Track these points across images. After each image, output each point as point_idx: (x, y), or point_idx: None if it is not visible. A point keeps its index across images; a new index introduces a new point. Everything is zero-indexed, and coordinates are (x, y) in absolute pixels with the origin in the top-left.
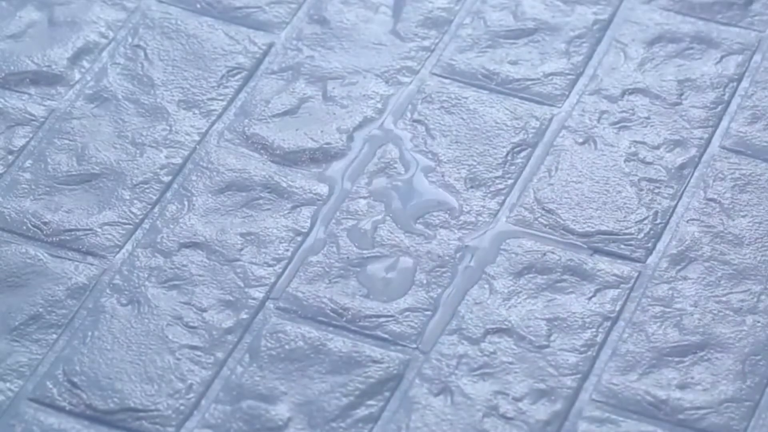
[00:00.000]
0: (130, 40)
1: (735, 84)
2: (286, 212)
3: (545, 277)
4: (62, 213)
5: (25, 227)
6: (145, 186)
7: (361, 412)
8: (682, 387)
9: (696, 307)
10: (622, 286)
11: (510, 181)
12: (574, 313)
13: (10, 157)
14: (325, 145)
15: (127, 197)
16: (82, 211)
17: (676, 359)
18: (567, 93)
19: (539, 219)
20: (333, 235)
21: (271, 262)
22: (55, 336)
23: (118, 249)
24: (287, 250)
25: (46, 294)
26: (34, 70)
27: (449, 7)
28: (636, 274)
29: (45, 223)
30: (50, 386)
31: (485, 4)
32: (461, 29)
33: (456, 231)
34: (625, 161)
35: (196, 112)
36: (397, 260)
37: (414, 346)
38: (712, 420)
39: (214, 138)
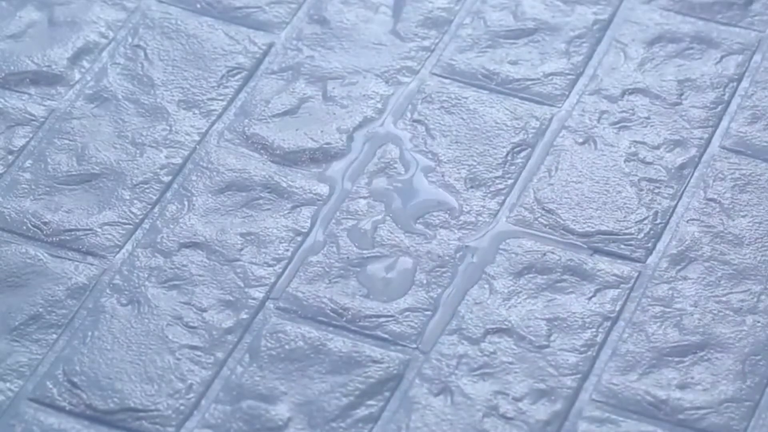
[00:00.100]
0: (130, 40)
1: (735, 84)
2: (286, 212)
3: (545, 277)
4: (62, 213)
5: (25, 227)
6: (145, 186)
7: (361, 412)
8: (682, 387)
9: (696, 307)
10: (622, 286)
11: (510, 181)
12: (574, 313)
13: (10, 157)
14: (325, 145)
15: (127, 197)
16: (82, 211)
17: (676, 359)
18: (567, 93)
19: (539, 219)
20: (333, 235)
21: (271, 262)
22: (55, 336)
23: (118, 249)
24: (287, 250)
25: (46, 294)
26: (34, 70)
27: (449, 7)
28: (636, 274)
29: (45, 223)
30: (50, 386)
31: (485, 4)
32: (461, 29)
33: (456, 231)
34: (625, 161)
35: (196, 112)
36: (397, 260)
37: (414, 346)
38: (712, 420)
39: (214, 138)
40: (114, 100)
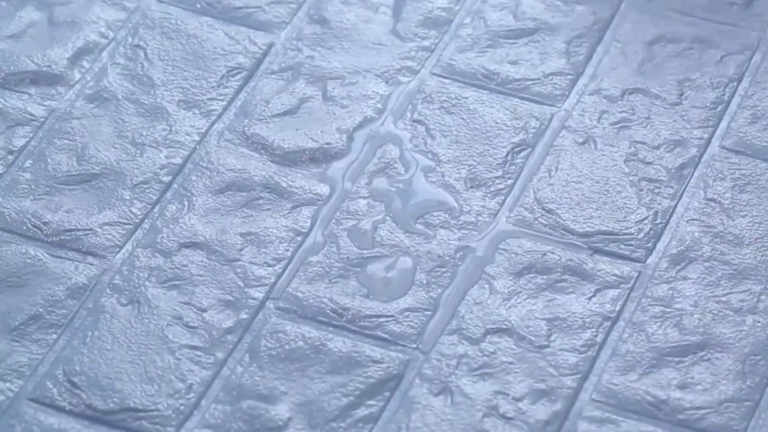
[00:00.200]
0: (130, 40)
1: (735, 84)
2: (286, 212)
3: (545, 277)
4: (62, 213)
5: (25, 227)
6: (145, 186)
7: (361, 412)
8: (682, 387)
9: (696, 307)
10: (622, 286)
11: (510, 181)
12: (574, 313)
13: (10, 157)
14: (325, 145)
15: (127, 197)
16: (82, 211)
17: (676, 359)
18: (567, 93)
19: (539, 219)
20: (333, 235)
21: (271, 262)
22: (55, 336)
23: (118, 249)
24: (287, 250)
25: (46, 294)
26: (34, 70)
27: (449, 7)
28: (636, 274)
29: (45, 223)
30: (50, 386)
31: (485, 4)
32: (461, 29)
33: (456, 231)
34: (625, 161)
35: (196, 112)
36: (397, 260)
37: (414, 346)
38: (712, 420)
39: (214, 138)
40: (114, 100)
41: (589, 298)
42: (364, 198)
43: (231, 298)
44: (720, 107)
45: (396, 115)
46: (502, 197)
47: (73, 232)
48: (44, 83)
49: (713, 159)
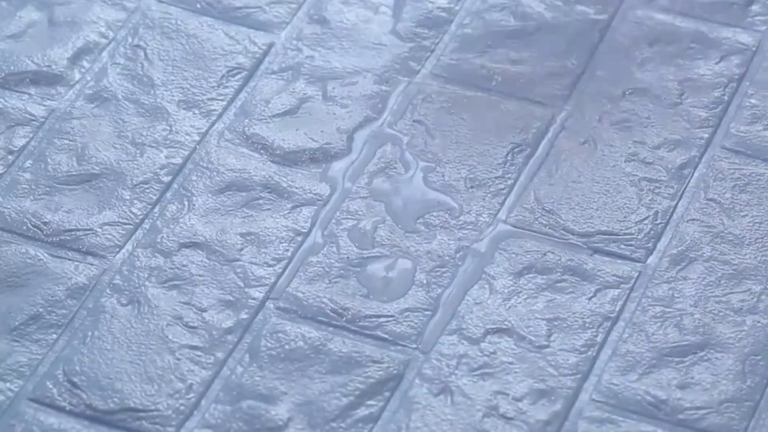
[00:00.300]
0: (130, 40)
1: (735, 84)
2: (286, 212)
3: (545, 277)
4: (62, 213)
5: (25, 227)
6: (145, 186)
7: (361, 412)
8: (682, 387)
9: (696, 307)
10: (622, 286)
11: (510, 182)
12: (574, 313)
13: (10, 157)
14: (325, 145)
15: (127, 197)
16: (82, 211)
17: (676, 359)
18: (567, 93)
19: (539, 219)
20: (333, 235)
21: (271, 262)
22: (55, 336)
23: (118, 249)
24: (287, 250)
25: (46, 294)
26: (34, 70)
27: (449, 7)
28: (636, 274)
29: (45, 223)
30: (50, 386)
31: (485, 4)
32: (461, 29)
33: (456, 231)
34: (625, 161)
35: (196, 112)
36: (396, 260)
37: (414, 346)
38: (712, 420)
39: (214, 138)
40: (114, 100)
41: (589, 298)
42: (364, 198)
43: (231, 298)
44: (720, 107)
45: (396, 115)
46: (502, 197)
47: (73, 232)
48: (44, 83)
49: (713, 159)
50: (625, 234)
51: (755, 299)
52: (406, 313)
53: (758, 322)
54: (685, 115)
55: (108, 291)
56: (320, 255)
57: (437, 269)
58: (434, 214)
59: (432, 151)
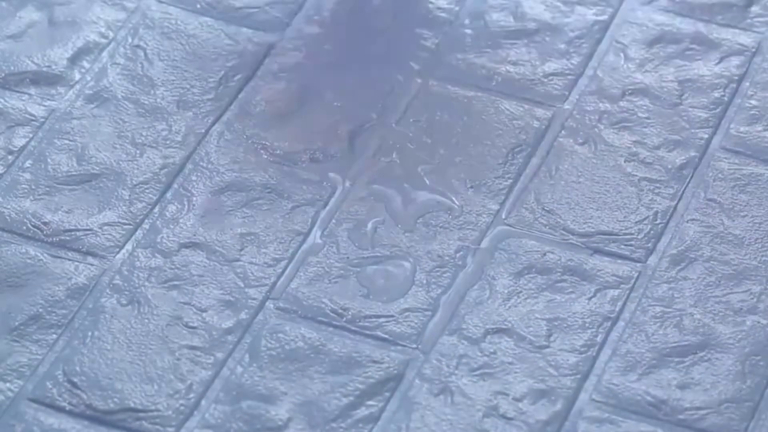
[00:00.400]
0: (130, 40)
1: (735, 85)
2: (286, 212)
3: (545, 277)
4: (62, 213)
5: (25, 227)
6: (145, 186)
7: (361, 412)
8: (682, 387)
9: (696, 307)
10: (622, 286)
11: (510, 181)
12: (574, 313)
13: (10, 157)
14: (325, 145)
15: (127, 197)
16: (82, 211)
17: (676, 359)
18: (567, 93)
19: (539, 219)
20: (333, 236)
21: (271, 262)
22: (55, 336)
23: (118, 249)
24: (287, 251)
25: (46, 294)
26: (34, 70)
27: (449, 7)
28: (636, 274)
29: (45, 223)
30: (50, 386)
31: (485, 4)
32: (461, 29)
33: (456, 231)
34: (625, 161)
35: (196, 112)
36: (397, 260)
37: (414, 346)
38: (712, 420)
39: (214, 138)
40: (114, 100)
41: (589, 298)
42: (364, 198)
43: (231, 298)
44: (720, 108)
45: (396, 116)
46: (502, 197)
47: (73, 232)
48: (44, 83)
49: (713, 159)
50: (625, 234)
51: (755, 299)
52: (406, 313)
53: (758, 322)
54: (685, 116)
55: (108, 291)
56: (320, 255)
57: (437, 269)
58: (434, 214)
59: (432, 151)
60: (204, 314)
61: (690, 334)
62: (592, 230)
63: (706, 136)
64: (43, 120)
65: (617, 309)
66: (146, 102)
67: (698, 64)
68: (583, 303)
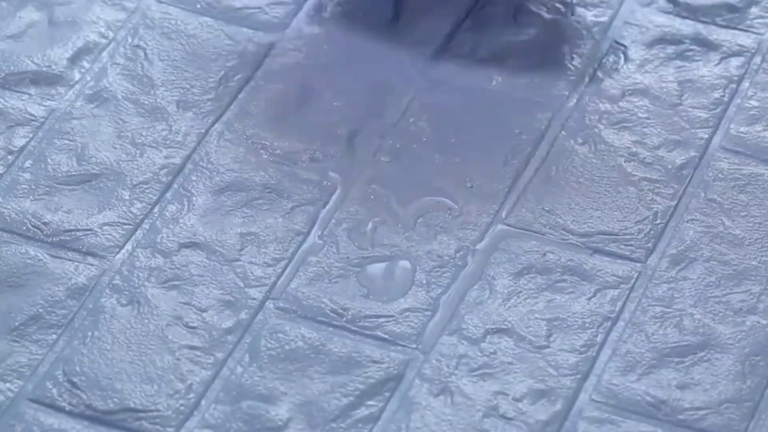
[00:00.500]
0: (130, 40)
1: (735, 85)
2: (286, 212)
3: (545, 277)
4: (62, 213)
5: (25, 227)
6: (145, 186)
7: (361, 412)
8: (682, 387)
9: (696, 307)
10: (622, 286)
11: (510, 181)
12: (574, 313)
13: (10, 157)
14: (324, 146)
15: (127, 197)
16: (82, 211)
17: (676, 359)
18: (566, 93)
19: (539, 219)
20: (333, 235)
21: (271, 262)
22: (55, 336)
23: (118, 249)
24: (287, 250)
25: (46, 294)
26: (34, 70)
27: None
28: (636, 274)
29: (45, 223)
30: (50, 386)
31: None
32: (461, 32)
33: (456, 231)
34: (625, 161)
35: (196, 112)
36: (396, 260)
37: (414, 346)
38: (712, 420)
39: (214, 138)
40: (114, 100)
41: (589, 298)
42: (364, 198)
43: (231, 298)
44: (720, 108)
45: (396, 116)
46: (502, 197)
47: (73, 233)
48: (44, 83)
49: (713, 159)
50: (625, 234)
51: (755, 300)
52: (406, 313)
53: (758, 322)
54: (685, 116)
55: (108, 291)
56: (320, 255)
57: (437, 269)
58: (434, 214)
59: (432, 151)
60: (204, 314)
61: (690, 335)
62: (592, 230)
63: (706, 136)
64: (43, 120)
65: (617, 309)
66: (146, 102)
67: (698, 64)
68: (583, 303)
